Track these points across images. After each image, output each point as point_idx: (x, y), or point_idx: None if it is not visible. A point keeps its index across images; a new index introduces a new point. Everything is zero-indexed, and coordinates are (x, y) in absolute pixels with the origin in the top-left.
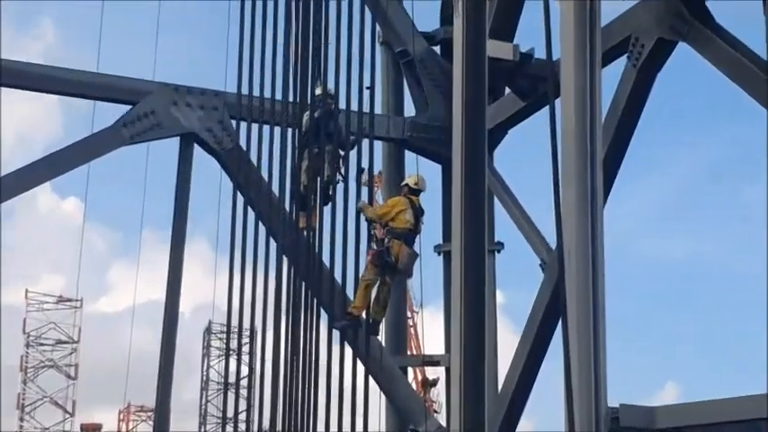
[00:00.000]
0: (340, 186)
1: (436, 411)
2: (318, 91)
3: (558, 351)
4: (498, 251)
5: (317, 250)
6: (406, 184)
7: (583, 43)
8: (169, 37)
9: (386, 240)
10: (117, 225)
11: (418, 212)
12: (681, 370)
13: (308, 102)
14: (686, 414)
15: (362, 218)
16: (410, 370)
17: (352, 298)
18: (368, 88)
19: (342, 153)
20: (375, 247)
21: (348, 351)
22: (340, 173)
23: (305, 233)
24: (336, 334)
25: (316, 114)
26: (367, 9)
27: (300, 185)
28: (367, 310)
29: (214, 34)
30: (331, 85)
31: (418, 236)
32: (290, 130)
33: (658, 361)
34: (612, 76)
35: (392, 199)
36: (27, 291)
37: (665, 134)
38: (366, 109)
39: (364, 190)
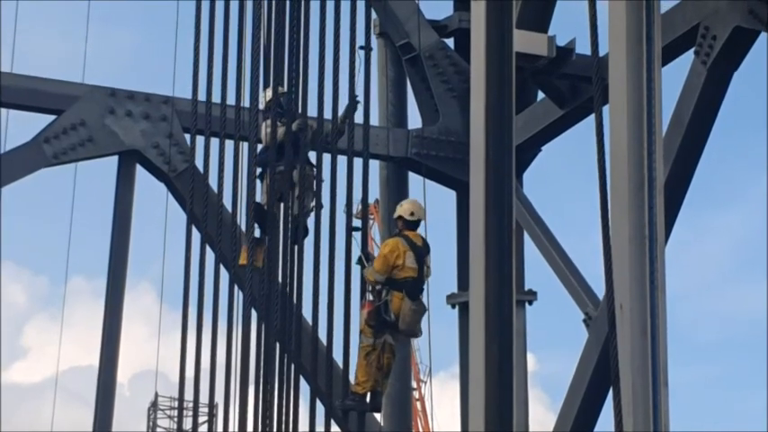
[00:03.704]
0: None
1: None
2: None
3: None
4: (530, 302)
5: (295, 302)
6: (400, 217)
7: (638, 34)
8: (103, 28)
9: (383, 293)
10: (40, 268)
11: (422, 252)
12: None
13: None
14: None
15: (354, 258)
16: None
17: (340, 363)
18: (357, 102)
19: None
20: (371, 299)
21: None
22: (319, 202)
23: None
24: (320, 410)
25: (294, 126)
26: None
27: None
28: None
29: (161, 23)
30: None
31: (426, 283)
32: (259, 146)
33: None
34: (676, 76)
35: (386, 243)
36: None
37: (745, 152)
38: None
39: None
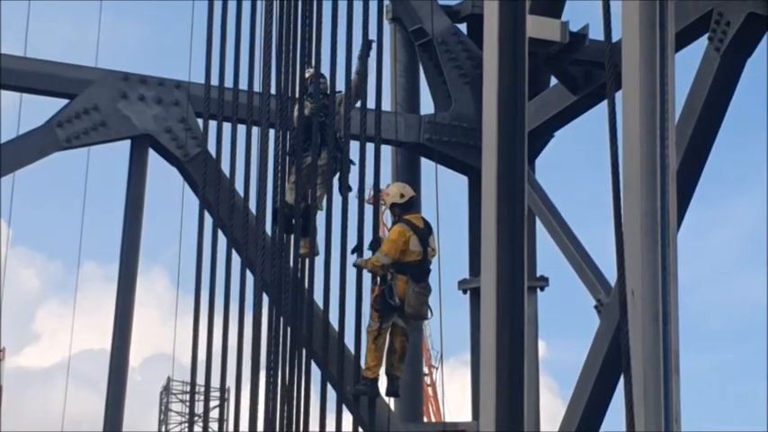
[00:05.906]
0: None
1: None
2: (307, 74)
3: (618, 418)
4: (542, 288)
5: (307, 286)
6: (394, 204)
7: (651, 20)
8: (115, 14)
9: (389, 277)
10: (54, 253)
11: (424, 234)
12: None
13: (296, 94)
14: None
15: (366, 244)
16: None
17: (351, 348)
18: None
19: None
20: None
21: (348, 418)
22: (347, 188)
23: (298, 262)
24: (331, 396)
25: (306, 111)
26: None
27: (284, 206)
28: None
29: (173, 8)
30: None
31: (432, 265)
32: (271, 131)
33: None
34: (689, 62)
35: (392, 230)
36: None
37: (758, 140)
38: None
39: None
